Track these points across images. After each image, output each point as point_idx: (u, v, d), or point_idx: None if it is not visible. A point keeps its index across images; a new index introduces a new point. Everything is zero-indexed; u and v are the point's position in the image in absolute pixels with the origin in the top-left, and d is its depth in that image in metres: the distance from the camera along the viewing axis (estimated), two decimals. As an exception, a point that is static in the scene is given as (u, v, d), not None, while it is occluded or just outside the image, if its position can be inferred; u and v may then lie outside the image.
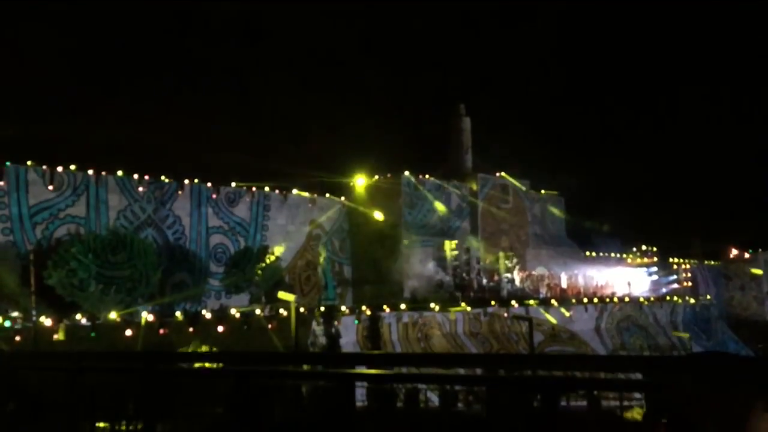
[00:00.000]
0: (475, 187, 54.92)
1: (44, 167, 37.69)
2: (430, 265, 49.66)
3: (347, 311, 38.28)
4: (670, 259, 67.85)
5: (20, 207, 36.65)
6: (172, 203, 42.06)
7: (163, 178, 42.24)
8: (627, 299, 53.73)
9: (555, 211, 62.82)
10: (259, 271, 42.36)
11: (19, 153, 37.24)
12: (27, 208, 36.83)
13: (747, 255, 73.68)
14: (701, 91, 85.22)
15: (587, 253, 62.23)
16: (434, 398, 11.69)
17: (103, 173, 39.61)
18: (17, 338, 26.93)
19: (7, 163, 36.46)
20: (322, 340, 33.47)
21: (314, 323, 34.74)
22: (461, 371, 9.53)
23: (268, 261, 43.14)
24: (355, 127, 56.65)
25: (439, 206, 52.46)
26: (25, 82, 45.39)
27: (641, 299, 54.94)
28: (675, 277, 65.63)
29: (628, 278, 60.89)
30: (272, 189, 47.52)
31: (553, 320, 45.65)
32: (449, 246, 50.65)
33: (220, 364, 10.79)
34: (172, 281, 40.04)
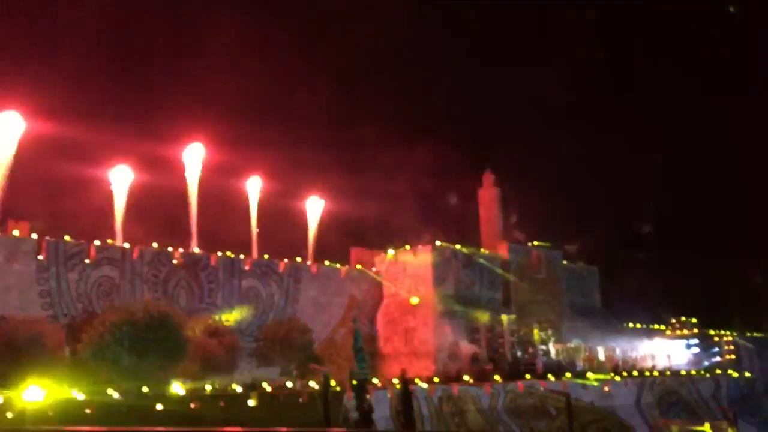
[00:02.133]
0: (506, 257, 54.44)
1: (82, 241, 38.57)
2: (463, 337, 48.86)
3: (379, 385, 37.63)
4: (711, 331, 65.87)
5: (59, 281, 37.36)
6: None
7: (195, 250, 42.88)
8: (668, 373, 52.00)
9: (590, 281, 61.81)
10: (290, 344, 42.16)
11: (57, 227, 38.32)
12: (66, 282, 37.53)
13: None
14: (732, 149, 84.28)
15: (624, 324, 60.79)
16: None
17: (139, 246, 40.39)
18: (51, 413, 26.84)
19: (47, 238, 37.39)
20: (354, 414, 32.78)
21: (345, 398, 34.15)
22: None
23: (298, 333, 42.96)
24: (385, 198, 57.13)
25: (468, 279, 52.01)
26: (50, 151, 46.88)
27: (683, 372, 53.11)
28: (717, 349, 63.53)
29: (667, 350, 59.13)
30: (303, 260, 47.75)
31: (592, 385, 44.30)
32: (482, 318, 49.95)
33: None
34: (203, 354, 39.88)
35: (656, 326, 63.76)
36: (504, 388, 41.22)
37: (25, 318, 35.20)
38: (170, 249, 41.59)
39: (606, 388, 45.48)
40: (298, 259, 47.64)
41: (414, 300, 48.46)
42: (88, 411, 28.42)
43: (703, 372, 54.86)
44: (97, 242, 39.08)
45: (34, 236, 37.24)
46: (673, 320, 66.50)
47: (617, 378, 47.16)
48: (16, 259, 36.44)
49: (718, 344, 64.36)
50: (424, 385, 38.45)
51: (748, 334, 70.62)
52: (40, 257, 37.01)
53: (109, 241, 39.63)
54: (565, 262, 58.71)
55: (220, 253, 43.75)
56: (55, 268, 37.42)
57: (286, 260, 46.71)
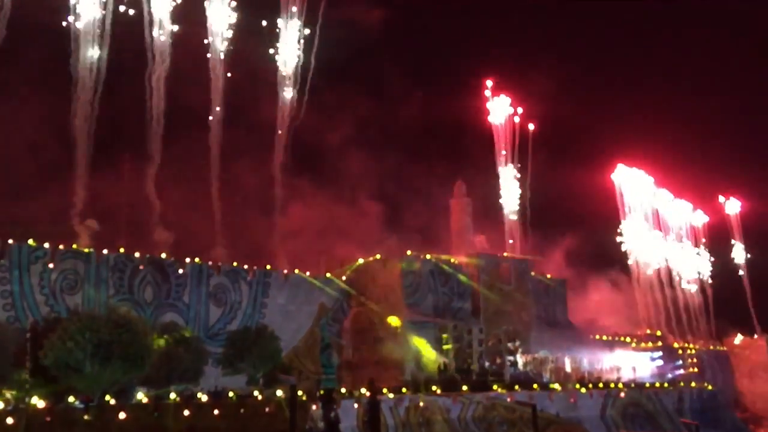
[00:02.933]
0: (477, 267, 54.74)
1: (45, 245, 37.87)
2: (431, 347, 48.90)
3: (346, 394, 37.45)
4: (675, 344, 66.92)
5: (22, 285, 36.62)
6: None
7: (163, 256, 42.32)
8: (633, 385, 52.63)
9: (558, 293, 62.37)
10: (257, 352, 41.68)
11: (21, 231, 37.59)
12: (29, 286, 36.79)
13: (755, 339, 72.67)
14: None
15: (591, 336, 61.47)
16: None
17: (105, 251, 39.77)
18: (9, 420, 26.26)
19: (10, 241, 36.65)
20: (321, 425, 32.59)
21: (313, 407, 33.93)
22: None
23: (265, 341, 42.50)
24: (355, 207, 57.11)
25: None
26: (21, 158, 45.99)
27: (647, 385, 53.80)
28: (680, 362, 64.55)
29: (632, 363, 59.89)
30: (273, 268, 47.40)
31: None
32: (450, 328, 50.11)
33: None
34: (169, 361, 39.31)
35: (622, 338, 64.55)
36: (472, 398, 41.33)
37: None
38: (137, 254, 41.00)
39: (571, 399, 45.87)
40: (268, 267, 47.31)
41: (394, 321, 48.13)
42: (48, 419, 27.87)
43: (666, 384, 55.63)
44: (60, 246, 38.45)
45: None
46: (639, 332, 67.46)
47: (583, 390, 47.58)
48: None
49: (681, 357, 65.41)
50: (391, 396, 38.37)
51: (712, 348, 71.92)
52: (2, 261, 36.28)
53: (74, 246, 38.97)
54: (533, 273, 59.25)
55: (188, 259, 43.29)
56: (18, 271, 36.69)
57: (255, 267, 46.37)
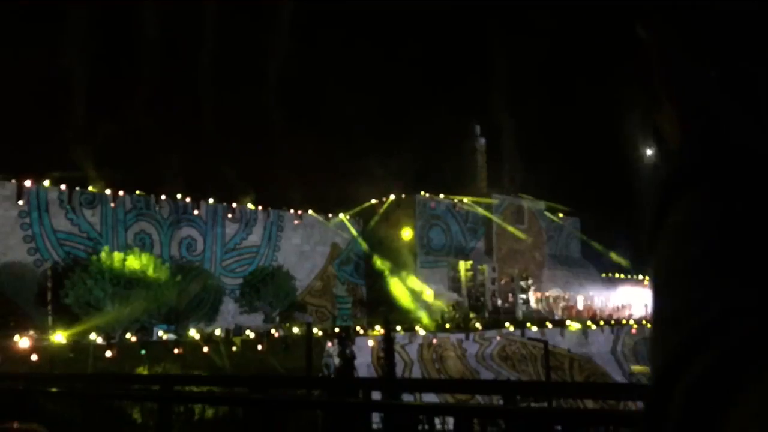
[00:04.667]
0: (490, 207, 54.73)
1: (62, 187, 38.15)
2: (445, 285, 49.40)
3: (362, 332, 38.12)
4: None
5: (42, 226, 37.11)
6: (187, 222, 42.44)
7: (179, 197, 42.54)
8: (644, 321, 53.02)
9: (571, 232, 62.43)
10: (273, 291, 42.43)
11: (38, 173, 37.72)
12: (49, 228, 37.31)
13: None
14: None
15: (603, 274, 61.68)
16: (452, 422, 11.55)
17: (121, 193, 40.02)
18: (34, 357, 27.02)
19: (27, 183, 36.93)
20: (337, 361, 33.26)
21: (329, 344, 34.60)
22: (479, 398, 9.53)
23: (281, 280, 43.19)
24: (371, 148, 56.79)
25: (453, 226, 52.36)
26: (36, 98, 45.67)
27: (658, 321, 54.19)
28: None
29: (644, 300, 60.19)
30: (287, 209, 47.60)
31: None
32: (464, 267, 50.47)
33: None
34: (187, 300, 40.08)
35: (634, 276, 64.74)
36: (483, 336, 41.92)
37: (7, 263, 35.12)
38: (152, 196, 41.27)
39: (583, 336, 46.39)
40: (283, 208, 47.49)
41: (407, 234, 48.54)
42: (71, 355, 28.62)
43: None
44: (77, 188, 38.74)
45: (13, 181, 36.76)
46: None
47: (593, 326, 48.07)
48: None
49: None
50: (403, 333, 38.98)
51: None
52: (20, 202, 36.64)
53: (90, 188, 39.22)
54: (547, 213, 59.17)
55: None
56: (37, 212, 37.13)
57: (269, 208, 46.60)
